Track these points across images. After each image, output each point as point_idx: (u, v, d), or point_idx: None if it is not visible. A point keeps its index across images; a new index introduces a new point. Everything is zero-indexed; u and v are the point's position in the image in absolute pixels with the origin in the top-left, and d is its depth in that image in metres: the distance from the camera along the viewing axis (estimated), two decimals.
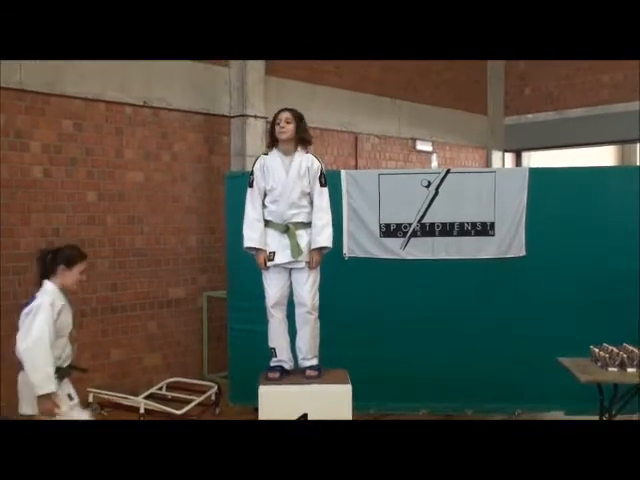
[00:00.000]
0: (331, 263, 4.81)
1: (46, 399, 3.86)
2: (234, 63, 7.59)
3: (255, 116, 7.62)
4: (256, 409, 4.53)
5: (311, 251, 4.48)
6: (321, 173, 4.52)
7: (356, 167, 9.05)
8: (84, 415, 4.15)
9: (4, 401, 5.10)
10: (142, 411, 6.24)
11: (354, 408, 4.43)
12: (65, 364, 4.05)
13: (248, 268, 4.89)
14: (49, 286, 4.01)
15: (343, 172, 6.17)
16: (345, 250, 6.03)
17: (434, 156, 10.46)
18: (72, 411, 4.02)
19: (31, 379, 3.84)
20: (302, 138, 4.52)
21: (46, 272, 4.05)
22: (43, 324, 3.88)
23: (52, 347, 3.87)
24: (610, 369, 4.45)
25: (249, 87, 7.59)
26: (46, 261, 4.05)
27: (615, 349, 4.56)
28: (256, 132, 7.61)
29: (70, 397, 4.05)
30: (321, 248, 4.50)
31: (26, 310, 3.96)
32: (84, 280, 4.19)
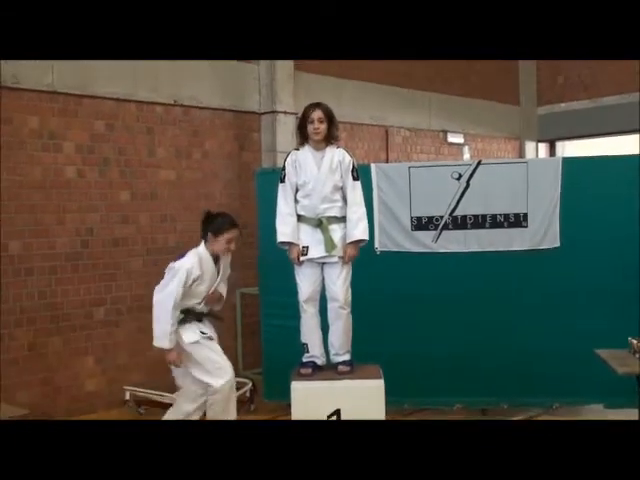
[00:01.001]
0: (363, 258, 4.80)
1: (167, 351, 4.40)
2: (263, 60, 7.60)
3: (285, 112, 7.62)
4: (290, 405, 4.54)
5: (347, 245, 4.47)
6: (353, 167, 4.51)
7: (387, 161, 9.01)
8: (212, 349, 4.53)
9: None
10: None
11: (388, 403, 4.41)
12: (203, 311, 4.56)
13: (280, 264, 4.89)
14: (198, 250, 4.51)
15: (373, 166, 6.14)
16: (377, 244, 6.00)
17: (466, 148, 10.36)
18: (201, 346, 4.47)
19: (153, 328, 4.41)
20: (333, 136, 4.54)
21: (204, 235, 4.53)
22: (174, 288, 4.35)
23: (178, 307, 4.38)
24: None
25: (278, 83, 7.60)
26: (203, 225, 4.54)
27: None
28: (286, 128, 7.61)
29: (202, 333, 4.51)
30: (357, 241, 4.49)
31: (171, 264, 4.50)
32: (233, 249, 4.54)
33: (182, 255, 4.56)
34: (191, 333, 4.49)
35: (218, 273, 4.60)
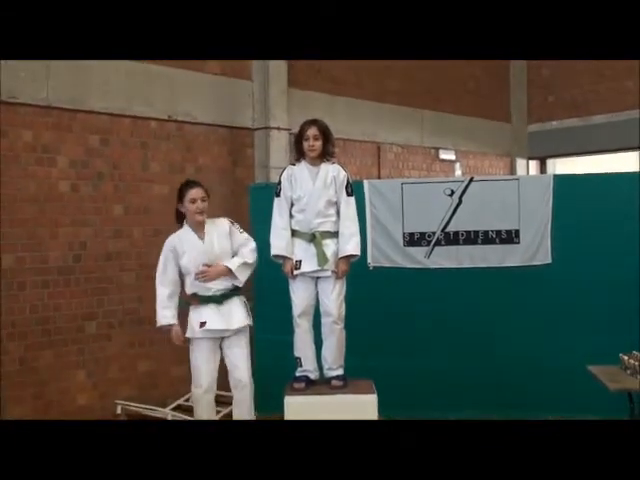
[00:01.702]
0: (356, 273, 4.82)
1: (169, 329, 4.44)
2: (256, 76, 7.65)
3: (278, 128, 7.66)
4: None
5: (339, 260, 4.50)
6: (347, 182, 4.56)
7: (379, 177, 9.05)
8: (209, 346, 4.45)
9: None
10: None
11: (379, 417, 4.42)
12: (206, 293, 4.42)
13: (274, 278, 4.91)
14: (179, 230, 4.55)
15: (366, 182, 6.19)
16: (370, 259, 6.04)
17: (457, 165, 10.42)
18: (199, 338, 4.41)
19: None
20: (329, 152, 4.58)
21: (180, 217, 4.59)
22: (159, 266, 4.49)
23: (171, 285, 4.43)
24: None
25: (272, 99, 7.64)
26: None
27: None
28: (280, 144, 7.65)
29: (202, 324, 4.41)
30: (349, 256, 4.51)
31: None
32: (201, 209, 4.43)
33: None
34: (190, 325, 4.47)
35: (212, 247, 4.46)
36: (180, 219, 4.59)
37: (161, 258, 4.45)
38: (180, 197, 4.53)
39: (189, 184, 4.51)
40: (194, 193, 4.43)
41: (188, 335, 4.43)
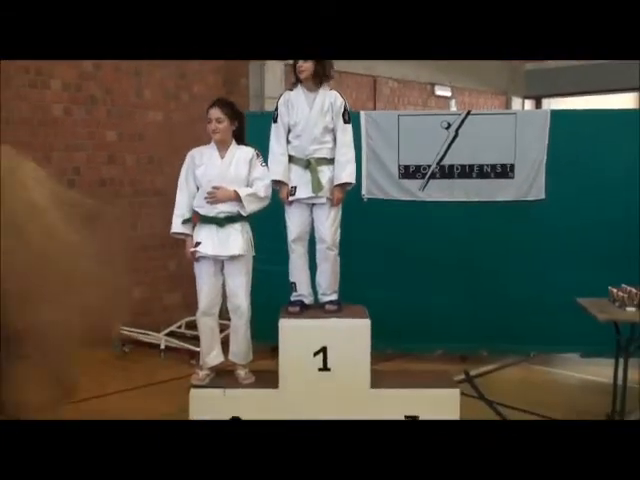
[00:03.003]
0: (350, 204, 4.82)
1: (185, 240, 4.46)
2: None
3: None
4: (273, 348, 4.61)
5: (334, 187, 4.49)
6: (345, 109, 4.51)
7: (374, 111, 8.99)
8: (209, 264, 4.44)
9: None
10: (162, 347, 6.37)
11: (372, 347, 4.48)
12: (208, 213, 4.37)
13: (270, 208, 4.88)
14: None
15: (362, 113, 6.14)
16: (364, 191, 6.04)
17: (453, 101, 10.36)
18: (198, 261, 4.41)
19: None
20: (321, 75, 4.49)
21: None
22: (181, 174, 4.46)
23: (191, 196, 4.41)
24: (628, 309, 4.48)
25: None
26: None
27: (634, 289, 4.58)
28: (274, 74, 7.56)
29: (197, 244, 4.38)
30: (344, 184, 4.51)
31: None
32: (213, 129, 4.40)
33: None
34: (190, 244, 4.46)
35: (228, 166, 4.43)
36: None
37: (183, 167, 4.44)
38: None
39: (212, 103, 4.47)
40: (210, 113, 4.41)
41: (190, 250, 4.42)
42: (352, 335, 4.33)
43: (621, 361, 4.64)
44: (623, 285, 4.69)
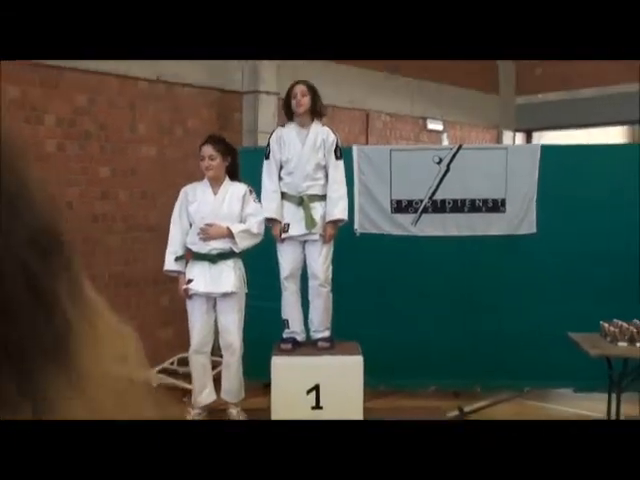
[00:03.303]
0: (342, 238, 4.84)
1: (177, 277, 4.47)
2: None
3: (267, 92, 7.62)
4: (266, 385, 4.58)
5: (326, 224, 4.51)
6: (336, 146, 4.55)
7: (367, 145, 9.04)
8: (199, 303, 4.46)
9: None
10: (154, 385, 6.31)
11: (364, 384, 4.46)
12: (201, 250, 4.39)
13: (262, 244, 4.90)
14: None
15: (355, 147, 6.18)
16: (356, 226, 6.04)
17: (445, 135, 10.44)
18: (190, 298, 4.42)
19: None
20: (317, 111, 4.55)
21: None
22: (174, 210, 4.51)
23: (184, 232, 4.44)
24: (620, 344, 4.49)
25: (262, 63, 7.59)
26: None
27: (625, 324, 4.59)
28: (268, 108, 7.62)
29: (189, 281, 4.42)
30: (336, 221, 4.53)
31: None
32: (206, 166, 4.45)
33: None
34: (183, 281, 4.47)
35: (221, 203, 4.46)
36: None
37: (177, 203, 4.46)
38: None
39: (204, 140, 4.51)
40: (203, 150, 4.45)
41: (183, 287, 4.42)
42: (345, 372, 4.32)
43: (614, 396, 4.63)
44: (615, 320, 4.70)
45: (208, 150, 4.41)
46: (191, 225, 4.42)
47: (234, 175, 4.54)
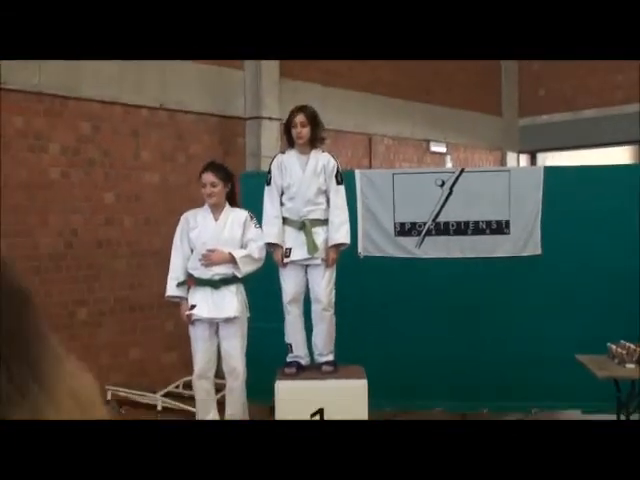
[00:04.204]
0: (346, 262, 4.84)
1: (179, 303, 4.46)
2: (248, 66, 7.65)
3: (270, 118, 7.67)
4: (272, 408, 4.57)
5: (328, 248, 4.52)
6: (337, 171, 4.57)
7: (370, 169, 9.07)
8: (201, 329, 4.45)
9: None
10: (159, 409, 6.30)
11: (369, 406, 4.44)
12: (203, 276, 4.37)
13: (264, 266, 4.91)
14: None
15: (357, 172, 6.20)
16: (360, 249, 6.04)
17: (448, 157, 10.46)
18: (193, 324, 4.40)
19: None
20: (317, 138, 4.58)
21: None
22: (175, 237, 4.50)
23: (185, 258, 4.42)
24: (628, 365, 4.45)
25: (264, 89, 7.65)
26: None
27: (632, 346, 4.55)
28: (271, 134, 7.67)
29: (192, 306, 4.39)
30: (338, 245, 4.53)
31: None
32: (208, 193, 4.46)
33: None
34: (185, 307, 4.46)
35: (222, 228, 4.46)
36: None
37: (177, 229, 4.47)
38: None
39: (205, 168, 4.52)
40: (204, 178, 4.47)
41: (186, 313, 4.42)
42: (349, 396, 4.30)
43: (622, 418, 4.58)
44: (622, 341, 4.67)
45: (210, 177, 4.43)
46: (192, 251, 4.42)
47: (233, 201, 4.56)
